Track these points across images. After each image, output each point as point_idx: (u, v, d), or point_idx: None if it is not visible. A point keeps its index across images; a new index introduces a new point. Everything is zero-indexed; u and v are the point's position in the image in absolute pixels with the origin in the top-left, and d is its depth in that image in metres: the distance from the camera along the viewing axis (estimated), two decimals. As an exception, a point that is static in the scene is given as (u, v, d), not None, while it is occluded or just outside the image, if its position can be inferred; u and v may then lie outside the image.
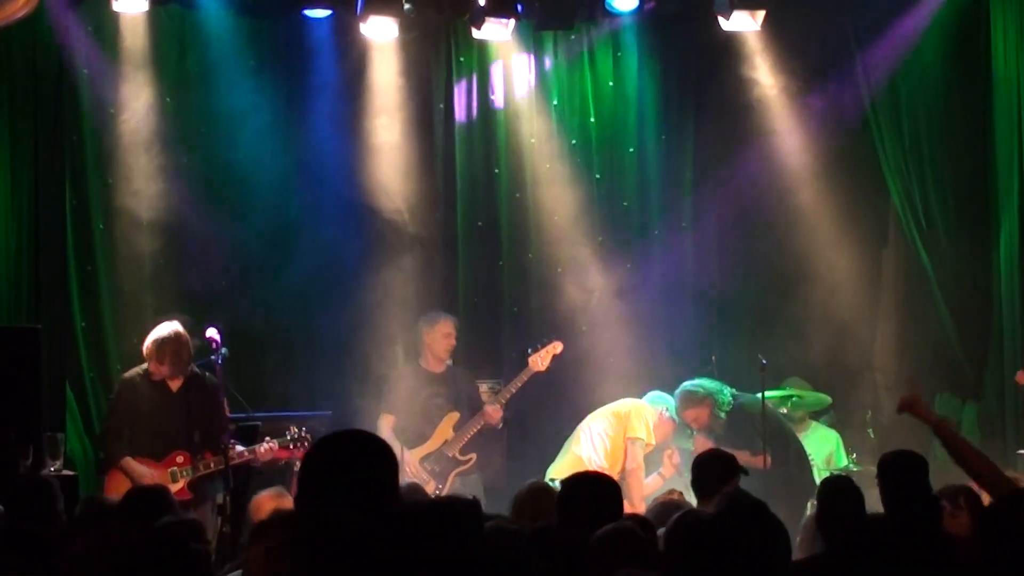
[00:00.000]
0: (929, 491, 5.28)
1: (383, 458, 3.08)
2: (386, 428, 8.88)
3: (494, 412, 8.96)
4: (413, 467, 8.85)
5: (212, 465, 7.80)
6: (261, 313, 9.65)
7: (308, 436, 8.03)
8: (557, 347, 9.16)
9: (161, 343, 7.96)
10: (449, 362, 9.19)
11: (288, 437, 8.05)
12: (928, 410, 5.79)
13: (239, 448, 7.86)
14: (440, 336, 9.05)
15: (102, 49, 9.44)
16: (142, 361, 8.95)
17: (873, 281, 10.49)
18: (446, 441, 8.92)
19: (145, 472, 7.71)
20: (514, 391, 9.08)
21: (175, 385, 8.00)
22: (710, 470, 5.89)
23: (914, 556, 4.13)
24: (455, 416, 8.99)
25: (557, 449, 9.10)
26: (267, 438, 8.04)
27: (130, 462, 7.79)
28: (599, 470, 8.61)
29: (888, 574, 4.06)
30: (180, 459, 7.84)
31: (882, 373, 10.43)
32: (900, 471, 5.36)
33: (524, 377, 9.09)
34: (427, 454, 8.94)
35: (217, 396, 7.86)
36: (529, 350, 9.17)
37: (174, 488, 7.62)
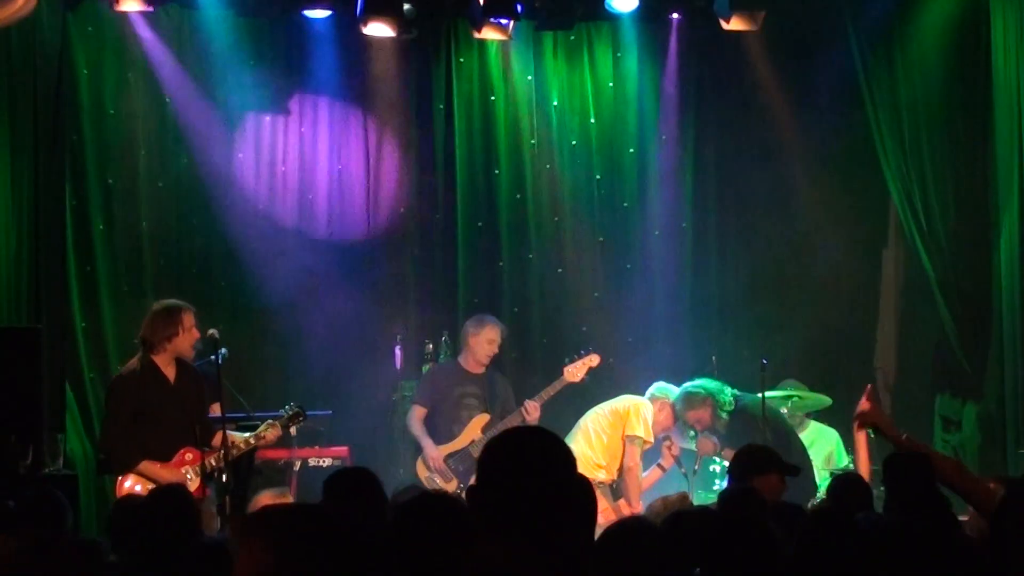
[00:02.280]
0: (937, 492, 5.26)
1: (562, 455, 2.91)
2: (416, 420, 8.92)
3: (533, 409, 8.91)
4: (438, 463, 8.84)
5: (217, 460, 7.52)
6: (260, 313, 9.65)
7: (302, 410, 7.87)
8: (594, 360, 9.06)
9: (195, 312, 7.64)
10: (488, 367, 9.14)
11: (284, 415, 7.88)
12: (890, 424, 5.61)
13: (240, 436, 7.66)
14: (484, 341, 8.95)
15: (102, 49, 9.45)
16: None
17: (873, 281, 10.49)
18: (473, 441, 8.89)
19: (164, 475, 7.36)
20: (546, 399, 9.00)
21: (171, 375, 7.63)
22: (743, 461, 5.82)
23: (927, 557, 4.12)
24: (485, 418, 8.94)
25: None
26: (268, 421, 7.84)
27: (149, 466, 7.40)
28: (596, 466, 8.64)
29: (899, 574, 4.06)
30: (189, 456, 7.52)
31: (882, 373, 10.43)
32: (907, 472, 5.34)
33: (557, 386, 9.00)
34: (453, 452, 8.87)
35: (203, 385, 7.66)
36: (566, 360, 9.10)
37: (191, 487, 7.50)
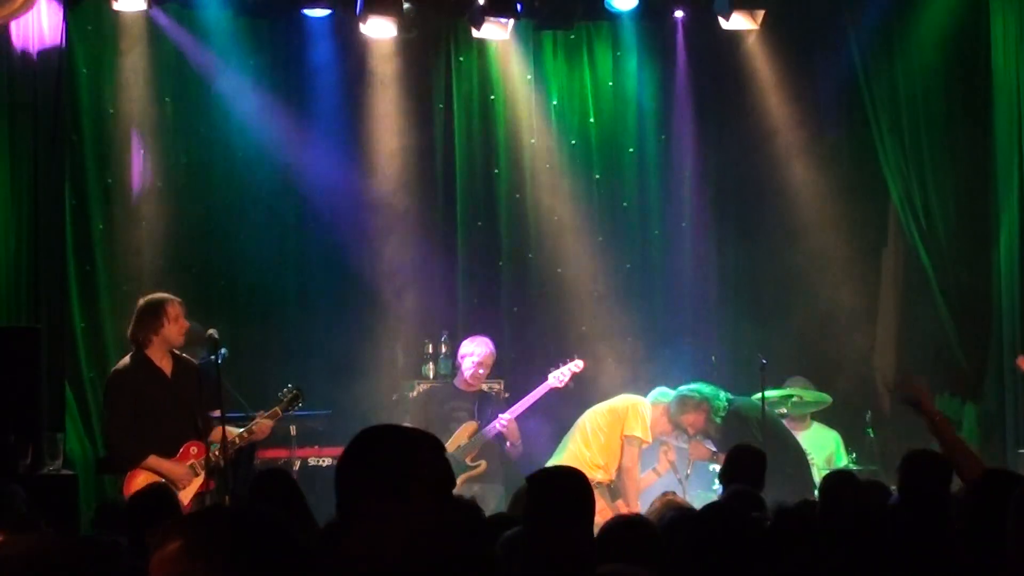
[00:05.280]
0: (948, 493, 5.27)
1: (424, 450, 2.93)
2: None
3: (507, 421, 8.96)
4: None
5: (219, 453, 7.45)
6: (260, 313, 9.66)
7: (300, 392, 7.84)
8: (578, 366, 9.14)
9: (180, 303, 7.61)
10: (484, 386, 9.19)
11: (282, 398, 7.85)
12: (930, 403, 5.82)
13: (234, 431, 7.58)
14: (470, 363, 9.00)
15: (102, 49, 9.45)
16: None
17: (873, 281, 10.49)
18: (458, 447, 8.96)
19: (173, 470, 7.35)
20: (528, 404, 9.04)
21: (168, 369, 7.59)
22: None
23: (918, 551, 4.15)
24: (472, 426, 8.99)
25: (556, 446, 9.12)
26: (260, 411, 7.80)
27: (157, 461, 7.35)
28: (594, 466, 8.64)
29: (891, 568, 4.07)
30: (194, 450, 7.49)
31: (882, 373, 10.43)
32: (924, 471, 5.34)
33: (540, 391, 9.09)
34: None
35: (199, 377, 7.61)
36: (552, 368, 9.14)
37: (197, 482, 7.46)
